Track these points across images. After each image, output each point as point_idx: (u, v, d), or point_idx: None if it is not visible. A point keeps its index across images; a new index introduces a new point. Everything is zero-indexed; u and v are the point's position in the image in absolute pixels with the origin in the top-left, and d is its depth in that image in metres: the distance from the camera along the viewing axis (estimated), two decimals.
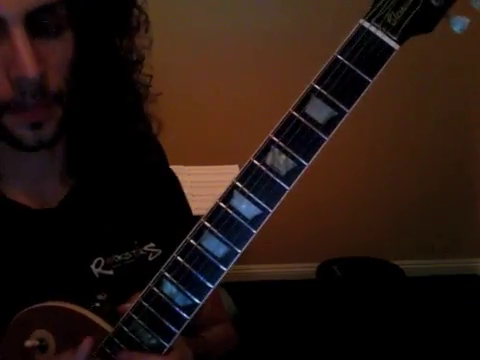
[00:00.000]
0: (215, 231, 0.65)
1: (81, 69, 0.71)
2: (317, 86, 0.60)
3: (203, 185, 1.95)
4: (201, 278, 0.66)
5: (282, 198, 0.62)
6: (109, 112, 0.78)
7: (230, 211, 0.64)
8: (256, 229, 0.64)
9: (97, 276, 0.78)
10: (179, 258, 0.67)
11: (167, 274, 0.68)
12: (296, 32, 2.40)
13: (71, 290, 0.76)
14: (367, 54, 0.59)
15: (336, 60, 0.59)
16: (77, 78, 0.71)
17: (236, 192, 0.64)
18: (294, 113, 0.60)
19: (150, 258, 0.82)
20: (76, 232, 0.79)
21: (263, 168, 0.62)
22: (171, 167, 0.95)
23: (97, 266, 0.78)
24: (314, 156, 0.60)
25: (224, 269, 0.66)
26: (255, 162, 0.62)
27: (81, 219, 0.80)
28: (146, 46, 0.80)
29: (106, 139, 0.79)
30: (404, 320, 2.41)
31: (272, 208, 0.62)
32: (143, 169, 0.86)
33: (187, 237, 0.66)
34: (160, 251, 0.83)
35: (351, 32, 0.59)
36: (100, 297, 0.80)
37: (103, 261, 0.79)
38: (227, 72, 2.46)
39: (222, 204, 0.64)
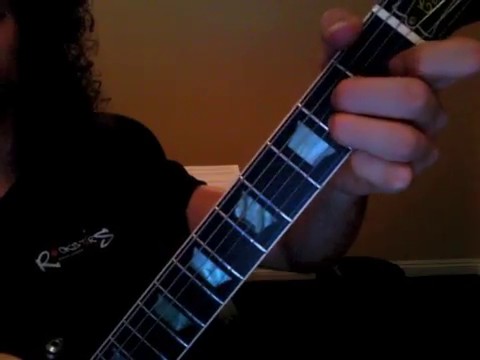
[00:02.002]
0: (171, 298, 0.46)
1: (25, 58, 0.67)
2: (305, 110, 0.37)
3: None
4: (157, 353, 0.48)
5: (258, 262, 0.41)
6: (56, 101, 0.72)
7: (189, 274, 0.44)
8: (224, 300, 0.44)
9: (44, 270, 0.71)
10: (129, 326, 0.49)
11: (117, 344, 0.50)
12: (297, 31, 2.24)
13: (19, 288, 0.70)
14: (379, 60, 0.36)
15: (335, 70, 0.37)
16: (21, 67, 0.67)
17: (197, 250, 0.43)
18: (273, 148, 0.38)
19: (102, 245, 0.74)
20: (20, 227, 0.72)
21: (231, 222, 0.41)
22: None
23: (43, 260, 0.71)
24: (301, 210, 0.39)
25: (185, 345, 0.47)
26: (221, 213, 0.41)
27: (25, 213, 0.73)
28: (91, 46, 0.75)
29: (54, 127, 0.73)
30: (404, 320, 2.30)
31: (244, 275, 0.42)
32: (95, 156, 0.78)
33: (138, 301, 0.48)
34: (113, 236, 0.75)
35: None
36: (53, 349, 0.67)
37: (48, 254, 0.71)
38: (227, 72, 2.33)
39: (179, 265, 0.44)
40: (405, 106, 0.34)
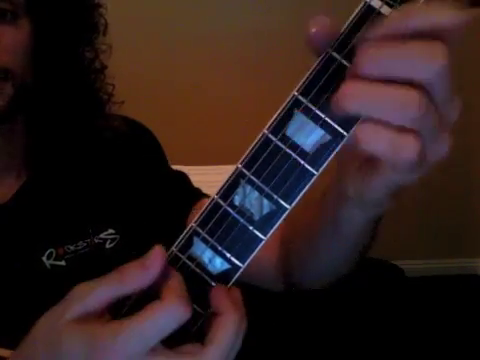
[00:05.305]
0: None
1: (39, 60, 0.69)
2: (302, 98, 0.38)
3: (203, 185, 1.81)
4: None
5: (257, 250, 0.42)
6: (68, 102, 0.73)
7: (189, 263, 0.45)
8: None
9: (49, 268, 0.71)
10: None
11: None
12: (297, 31, 2.22)
13: (24, 284, 0.70)
14: None
15: (330, 58, 0.38)
16: (36, 69, 0.68)
17: (197, 239, 0.44)
18: (270, 136, 0.39)
19: (108, 245, 0.75)
20: (29, 225, 0.73)
21: (230, 210, 0.42)
22: (173, 167, 0.90)
23: (49, 258, 0.72)
24: (299, 196, 0.39)
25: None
26: (219, 201, 0.42)
27: (34, 212, 0.74)
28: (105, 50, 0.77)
29: (65, 127, 0.74)
30: (404, 320, 2.27)
31: (244, 262, 0.43)
32: (103, 158, 0.79)
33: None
34: (119, 237, 0.76)
35: (353, 15, 0.37)
36: None
37: (54, 252, 0.72)
38: (227, 72, 2.33)
39: (179, 254, 0.45)
40: (426, 66, 0.34)
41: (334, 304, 2.36)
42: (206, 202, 0.82)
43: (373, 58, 0.35)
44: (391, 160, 0.36)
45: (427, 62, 0.34)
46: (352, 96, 0.35)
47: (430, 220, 2.61)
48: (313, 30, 0.36)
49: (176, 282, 0.42)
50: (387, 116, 0.35)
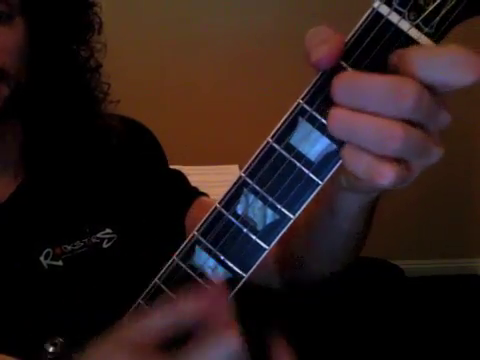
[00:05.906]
0: (173, 296, 0.45)
1: (34, 60, 0.68)
2: (307, 106, 0.37)
3: (203, 185, 1.81)
4: None
5: (260, 259, 0.41)
6: (64, 102, 0.73)
7: (191, 272, 0.44)
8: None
9: (46, 267, 0.71)
10: None
11: None
12: (297, 31, 2.21)
13: (22, 284, 0.70)
14: (380, 56, 0.36)
15: (337, 66, 0.36)
16: (31, 69, 0.68)
17: (198, 248, 0.43)
18: (274, 145, 0.38)
19: (105, 245, 0.75)
20: (26, 225, 0.73)
21: (233, 219, 0.41)
22: (171, 167, 0.89)
23: (46, 257, 0.71)
24: (303, 206, 0.39)
25: None
26: (222, 211, 0.41)
27: (31, 211, 0.74)
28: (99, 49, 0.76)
29: (61, 127, 0.73)
30: (404, 320, 2.26)
31: (246, 272, 0.42)
32: (101, 157, 0.78)
33: (139, 300, 0.48)
34: (116, 236, 0.75)
35: (360, 22, 0.36)
36: (52, 349, 0.68)
37: (52, 252, 0.72)
38: (227, 72, 2.32)
39: (180, 263, 0.44)
40: (394, 105, 0.33)
41: (334, 304, 2.36)
42: (204, 201, 0.83)
43: (342, 88, 0.35)
44: (368, 183, 0.36)
45: (395, 101, 0.33)
46: (334, 122, 0.35)
47: (430, 220, 2.60)
48: (317, 59, 0.36)
49: (227, 313, 0.41)
50: (366, 145, 0.35)
